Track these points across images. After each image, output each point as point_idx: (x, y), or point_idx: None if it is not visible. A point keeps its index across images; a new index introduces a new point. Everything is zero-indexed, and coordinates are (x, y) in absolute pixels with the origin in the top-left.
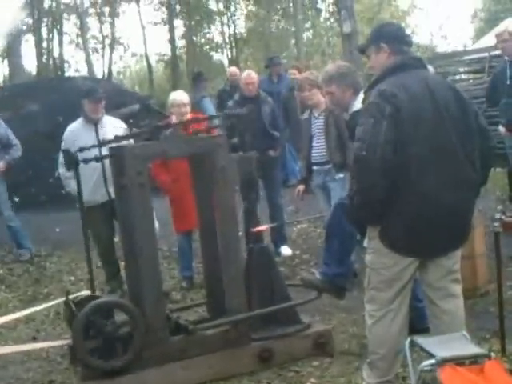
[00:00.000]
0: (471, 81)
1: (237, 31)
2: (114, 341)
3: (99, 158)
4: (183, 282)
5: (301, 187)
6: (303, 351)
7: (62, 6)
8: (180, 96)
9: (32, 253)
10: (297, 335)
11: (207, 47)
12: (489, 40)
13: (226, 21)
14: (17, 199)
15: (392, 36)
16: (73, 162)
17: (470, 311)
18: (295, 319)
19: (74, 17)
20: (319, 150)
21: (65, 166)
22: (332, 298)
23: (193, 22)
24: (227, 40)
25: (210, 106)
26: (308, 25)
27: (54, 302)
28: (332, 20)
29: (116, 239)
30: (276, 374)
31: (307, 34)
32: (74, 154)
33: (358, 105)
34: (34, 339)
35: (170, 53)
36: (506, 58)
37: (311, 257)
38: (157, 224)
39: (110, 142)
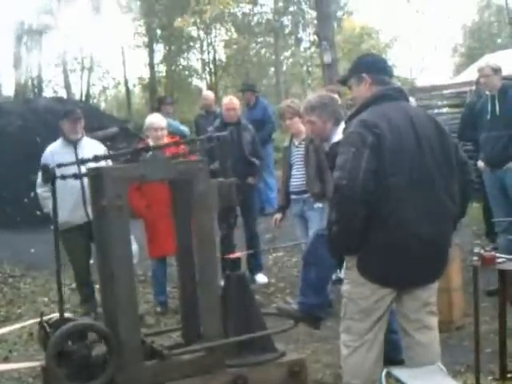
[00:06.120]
0: (449, 115)
1: (216, 58)
2: (88, 363)
3: (78, 176)
4: (157, 307)
5: (278, 216)
6: (277, 379)
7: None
8: (157, 120)
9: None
10: (271, 363)
11: (186, 73)
12: (469, 75)
13: (205, 47)
14: None
15: (373, 66)
16: (50, 177)
17: (445, 344)
18: (270, 347)
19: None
20: (298, 178)
21: (42, 180)
22: (306, 326)
23: (173, 47)
24: (206, 67)
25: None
26: (288, 53)
27: (27, 323)
28: (312, 49)
29: (91, 262)
30: None
31: (287, 63)
32: (51, 169)
33: (338, 135)
34: (6, 359)
35: (148, 77)
36: (488, 92)
37: (286, 285)
38: (136, 247)
39: (88, 160)
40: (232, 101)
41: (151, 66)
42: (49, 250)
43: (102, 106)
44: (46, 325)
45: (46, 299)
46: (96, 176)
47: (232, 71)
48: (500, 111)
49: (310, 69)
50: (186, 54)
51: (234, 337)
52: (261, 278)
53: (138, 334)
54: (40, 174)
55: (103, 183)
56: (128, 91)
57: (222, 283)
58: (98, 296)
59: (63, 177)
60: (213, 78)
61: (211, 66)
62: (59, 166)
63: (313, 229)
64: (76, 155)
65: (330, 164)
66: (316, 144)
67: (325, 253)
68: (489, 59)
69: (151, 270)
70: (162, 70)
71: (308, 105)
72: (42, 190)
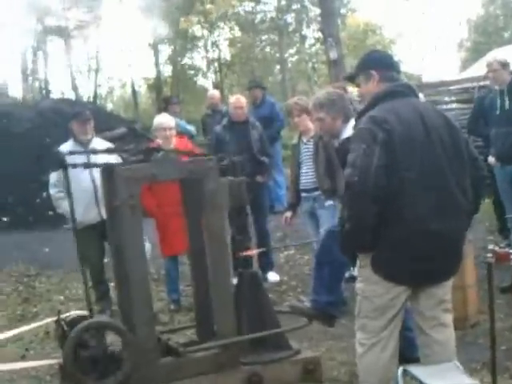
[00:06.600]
0: (458, 111)
1: (221, 56)
2: (106, 361)
3: (88, 165)
4: (171, 305)
5: (288, 213)
6: (292, 377)
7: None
8: (166, 119)
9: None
10: (286, 361)
11: (191, 72)
12: (476, 70)
13: (210, 46)
14: (5, 219)
15: (381, 63)
16: (60, 163)
17: (460, 342)
18: (285, 345)
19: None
20: (308, 176)
21: (52, 168)
22: (320, 324)
23: (177, 47)
24: (211, 65)
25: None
26: (293, 51)
27: (43, 322)
28: (317, 46)
29: (106, 260)
30: None
31: (292, 60)
32: (63, 156)
33: (348, 132)
34: (23, 358)
35: (154, 77)
36: (496, 87)
37: (298, 283)
38: (149, 246)
39: (100, 151)
40: (239, 99)
41: (157, 65)
42: (62, 249)
43: (109, 106)
44: (63, 323)
45: (61, 297)
46: (108, 176)
47: (237, 69)
48: (509, 106)
49: (315, 65)
50: (190, 54)
51: (248, 334)
52: (272, 277)
53: (154, 332)
54: (52, 175)
55: (116, 183)
56: (134, 92)
57: (235, 281)
58: (113, 293)
59: (74, 165)
60: (218, 77)
61: (216, 64)
62: (71, 153)
63: (323, 226)
64: (87, 156)
65: (340, 161)
66: (325, 141)
67: (337, 250)
68: (496, 54)
69: (164, 268)
70: (167, 69)
71: (316, 102)
72: (54, 191)
